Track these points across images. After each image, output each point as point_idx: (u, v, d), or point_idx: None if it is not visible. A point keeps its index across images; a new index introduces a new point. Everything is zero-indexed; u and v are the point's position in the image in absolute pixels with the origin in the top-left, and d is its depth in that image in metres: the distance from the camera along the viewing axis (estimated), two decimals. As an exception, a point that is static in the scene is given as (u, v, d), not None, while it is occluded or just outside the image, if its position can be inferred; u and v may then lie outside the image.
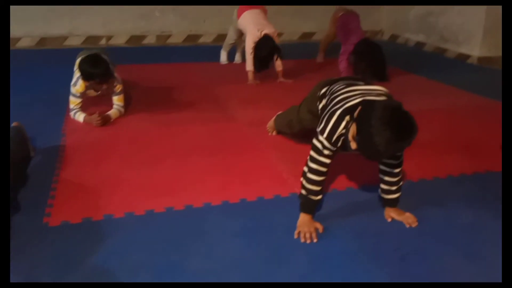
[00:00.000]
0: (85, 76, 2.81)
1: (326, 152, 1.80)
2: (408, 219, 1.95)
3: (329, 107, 1.87)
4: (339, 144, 1.76)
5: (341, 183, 2.29)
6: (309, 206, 1.91)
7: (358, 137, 1.59)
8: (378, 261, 1.71)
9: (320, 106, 2.10)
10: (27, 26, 5.43)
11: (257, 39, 3.99)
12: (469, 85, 4.16)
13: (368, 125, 1.53)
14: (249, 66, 4.10)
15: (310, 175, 1.86)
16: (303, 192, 1.91)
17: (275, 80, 4.19)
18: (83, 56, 2.94)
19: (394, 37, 6.67)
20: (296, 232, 1.84)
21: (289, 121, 2.61)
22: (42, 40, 5.55)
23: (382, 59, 4.09)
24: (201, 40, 6.12)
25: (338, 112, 1.74)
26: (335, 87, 2.00)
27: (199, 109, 3.38)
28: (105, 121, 2.96)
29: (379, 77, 3.98)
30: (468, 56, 5.33)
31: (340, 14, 4.42)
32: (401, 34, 6.53)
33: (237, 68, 4.56)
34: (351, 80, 2.07)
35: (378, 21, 6.80)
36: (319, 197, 1.91)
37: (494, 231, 1.90)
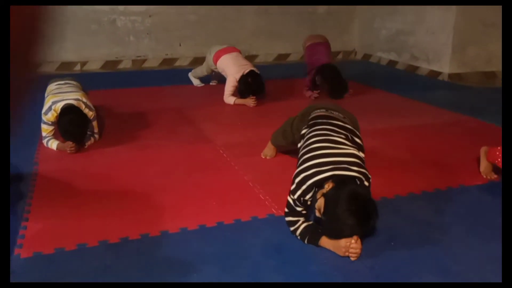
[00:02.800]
0: (63, 135, 2.86)
1: (298, 208, 1.98)
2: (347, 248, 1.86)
3: (300, 166, 2.00)
4: (307, 204, 1.96)
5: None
6: (313, 235, 1.92)
7: (324, 217, 1.81)
8: (354, 280, 1.71)
9: (299, 145, 2.28)
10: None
11: (237, 83, 4.10)
12: (440, 102, 4.26)
13: (335, 212, 1.75)
14: (230, 101, 4.17)
15: (292, 227, 1.98)
16: (300, 236, 1.94)
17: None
18: (62, 106, 2.87)
19: (367, 56, 6.82)
20: (345, 255, 1.83)
21: (284, 131, 2.69)
22: (15, 67, 5.48)
23: (340, 81, 4.31)
24: (177, 63, 6.14)
25: (309, 182, 1.90)
26: (312, 134, 2.15)
27: (175, 132, 3.38)
28: (79, 148, 2.92)
29: (336, 96, 4.26)
30: (439, 73, 5.48)
31: (308, 44, 4.57)
32: (374, 53, 6.69)
33: (212, 90, 4.58)
34: (329, 119, 2.23)
35: (350, 41, 6.96)
36: (310, 222, 1.98)
37: (468, 246, 1.93)
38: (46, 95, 2.97)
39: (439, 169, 2.72)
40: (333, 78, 4.24)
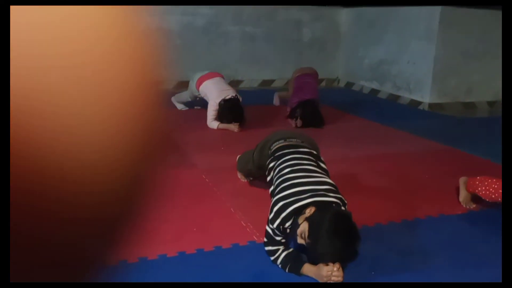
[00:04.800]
0: None
1: (277, 238, 1.95)
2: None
3: (277, 194, 1.99)
4: (287, 232, 1.93)
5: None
6: (294, 264, 1.90)
7: (308, 241, 1.77)
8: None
9: (269, 178, 2.27)
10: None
11: (218, 107, 4.13)
12: (420, 131, 4.34)
13: (318, 235, 1.73)
14: (214, 126, 4.19)
15: (272, 256, 1.95)
16: (281, 265, 1.92)
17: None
18: None
19: (349, 84, 6.94)
20: (325, 280, 1.81)
21: (249, 170, 2.70)
22: None
23: (318, 115, 4.39)
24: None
25: (288, 210, 1.89)
26: (283, 165, 2.15)
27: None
28: None
29: (315, 126, 4.31)
30: (419, 103, 5.59)
31: (297, 75, 4.67)
32: (356, 81, 6.81)
33: (196, 115, 4.59)
34: (293, 148, 2.26)
35: (334, 69, 7.09)
36: (290, 250, 1.95)
37: (450, 274, 1.94)
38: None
39: (419, 198, 2.74)
40: (310, 114, 4.33)
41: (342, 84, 7.11)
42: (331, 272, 1.79)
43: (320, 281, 1.82)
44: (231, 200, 2.61)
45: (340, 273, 1.80)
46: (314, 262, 1.87)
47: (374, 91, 6.41)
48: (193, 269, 1.91)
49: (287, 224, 1.89)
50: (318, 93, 4.64)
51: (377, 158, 3.51)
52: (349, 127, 4.45)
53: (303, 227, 1.79)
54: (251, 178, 2.86)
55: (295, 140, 2.36)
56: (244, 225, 2.32)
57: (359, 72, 6.72)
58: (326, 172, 2.16)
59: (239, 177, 2.90)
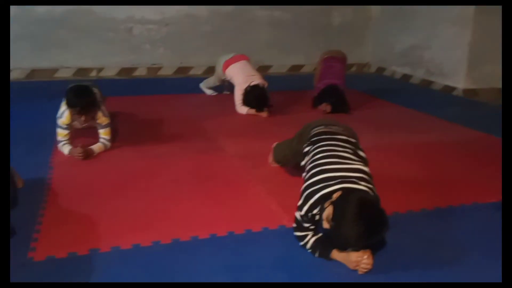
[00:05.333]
0: (68, 103, 2.83)
1: (305, 224, 1.94)
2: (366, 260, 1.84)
3: (307, 181, 1.99)
4: (315, 219, 1.92)
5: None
6: (323, 249, 1.90)
7: (332, 224, 1.74)
8: (366, 295, 1.70)
9: (303, 162, 2.26)
10: (18, 58, 5.46)
11: (245, 91, 4.14)
12: (454, 117, 4.23)
13: (343, 218, 1.68)
14: (243, 111, 4.20)
15: (302, 242, 1.96)
16: (311, 250, 1.93)
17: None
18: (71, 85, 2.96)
19: (380, 69, 6.81)
20: (355, 269, 1.81)
21: (284, 156, 2.70)
22: (32, 72, 5.58)
23: (343, 99, 4.35)
24: (192, 72, 6.19)
25: (316, 196, 1.87)
26: (317, 150, 2.14)
27: (188, 140, 3.39)
28: (88, 154, 2.94)
29: (343, 111, 4.28)
30: (453, 89, 5.45)
31: (325, 57, 4.60)
32: (388, 67, 6.68)
33: (225, 100, 4.60)
34: (332, 134, 2.23)
35: (364, 54, 6.96)
36: (319, 235, 1.95)
37: (481, 264, 1.91)
38: (63, 101, 3.01)
39: (453, 185, 2.70)
40: (338, 99, 4.29)
41: (373, 70, 6.99)
42: (361, 258, 1.79)
43: (350, 267, 1.82)
44: (262, 184, 2.63)
45: (370, 261, 1.80)
46: (340, 248, 1.86)
47: (406, 77, 6.28)
48: (224, 251, 1.94)
49: (315, 211, 1.88)
50: (345, 78, 4.56)
51: (409, 145, 3.45)
52: (380, 113, 4.39)
53: (328, 211, 1.78)
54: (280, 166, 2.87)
55: (335, 127, 2.33)
56: (275, 209, 2.33)
57: (391, 57, 6.58)
58: (363, 161, 2.12)
59: (270, 161, 2.90)
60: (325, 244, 1.91)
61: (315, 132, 2.32)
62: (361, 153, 2.18)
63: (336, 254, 1.87)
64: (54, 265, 1.80)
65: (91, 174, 2.72)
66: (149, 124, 3.80)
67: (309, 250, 1.93)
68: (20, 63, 5.50)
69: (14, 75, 5.50)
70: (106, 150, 3.09)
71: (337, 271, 1.83)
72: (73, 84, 2.99)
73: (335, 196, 1.79)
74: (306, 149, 2.27)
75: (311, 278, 1.79)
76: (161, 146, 3.23)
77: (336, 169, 1.96)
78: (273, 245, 2.01)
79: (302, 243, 1.96)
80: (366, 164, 2.10)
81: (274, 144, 2.88)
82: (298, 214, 1.95)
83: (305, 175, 2.07)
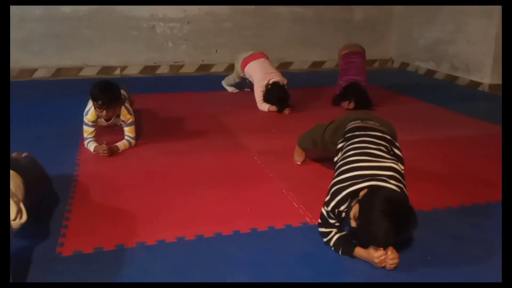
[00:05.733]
0: (92, 97, 2.90)
1: (331, 220, 1.93)
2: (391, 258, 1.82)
3: (336, 177, 1.97)
4: (341, 216, 1.91)
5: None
6: (347, 246, 1.90)
7: (359, 221, 1.73)
8: (390, 293, 1.69)
9: (335, 158, 2.24)
10: (44, 57, 5.59)
11: (264, 89, 4.15)
12: (479, 113, 4.15)
13: (370, 214, 1.68)
14: (264, 108, 4.20)
15: (325, 238, 1.95)
16: (334, 248, 1.92)
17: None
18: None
19: (404, 65, 6.72)
20: (381, 266, 1.81)
21: (314, 140, 2.68)
22: (58, 71, 5.70)
23: (365, 95, 4.29)
24: (213, 69, 6.23)
25: (344, 193, 1.86)
26: (349, 147, 2.12)
27: (210, 138, 3.42)
28: (112, 152, 3.00)
29: (366, 108, 4.22)
30: (479, 84, 5.34)
31: (343, 53, 4.55)
32: (411, 62, 6.58)
33: (247, 97, 4.61)
34: (367, 130, 2.20)
35: (387, 49, 6.87)
36: (343, 233, 1.95)
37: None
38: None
39: (478, 183, 2.65)
40: (361, 95, 4.25)
41: (396, 65, 6.89)
42: (384, 257, 1.78)
43: (374, 265, 1.81)
44: (283, 181, 2.63)
45: (395, 255, 1.79)
46: (365, 246, 1.85)
47: (430, 72, 6.17)
48: (247, 248, 1.96)
49: (342, 208, 1.87)
50: (366, 73, 4.49)
51: (433, 141, 3.40)
52: (404, 109, 4.33)
53: (355, 208, 1.77)
54: (304, 158, 2.86)
55: (372, 122, 2.29)
56: (297, 206, 2.34)
57: (414, 52, 6.48)
58: (398, 159, 2.08)
59: (295, 156, 2.90)
60: (349, 242, 1.91)
61: (350, 127, 2.29)
62: (397, 151, 2.14)
63: (359, 252, 1.86)
64: (81, 260, 1.85)
65: (116, 171, 2.77)
66: (171, 121, 3.84)
67: (333, 248, 1.93)
68: (46, 62, 5.63)
69: (40, 73, 5.63)
70: (130, 147, 3.14)
71: (360, 268, 1.83)
72: (101, 80, 3.04)
73: (362, 194, 1.78)
74: (340, 145, 2.25)
75: (334, 276, 1.79)
76: (184, 144, 3.27)
77: (366, 167, 1.94)
78: (296, 242, 2.01)
79: (326, 239, 1.95)
80: (400, 162, 2.07)
81: (300, 135, 2.86)
82: (324, 210, 1.94)
83: (335, 172, 2.05)
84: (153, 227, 2.10)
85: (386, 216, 1.65)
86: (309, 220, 2.19)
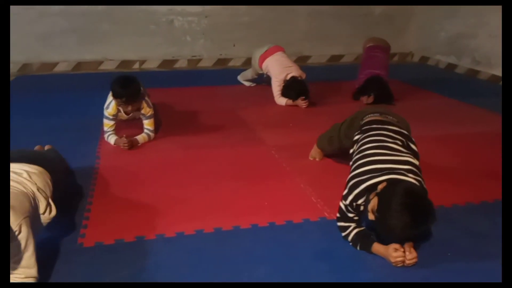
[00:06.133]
0: (114, 94, 2.93)
1: (350, 214, 1.93)
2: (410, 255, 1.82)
3: (354, 171, 1.97)
4: (360, 210, 1.90)
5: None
6: (365, 241, 1.89)
7: (377, 215, 1.71)
8: (409, 289, 1.68)
9: (351, 150, 2.24)
10: (64, 51, 5.67)
11: (283, 83, 4.14)
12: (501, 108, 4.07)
13: (388, 208, 1.66)
14: (282, 102, 4.19)
15: (344, 232, 1.95)
16: (352, 243, 1.92)
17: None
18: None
19: (424, 59, 6.62)
20: (396, 265, 1.80)
21: (330, 138, 2.68)
22: (78, 65, 5.78)
23: (387, 90, 4.24)
24: (231, 63, 6.23)
25: (362, 186, 1.85)
26: (366, 140, 2.11)
27: (228, 132, 3.43)
28: (132, 145, 3.03)
29: (386, 102, 4.18)
30: (501, 78, 5.23)
31: (368, 46, 4.50)
32: (432, 56, 6.48)
33: (264, 91, 4.60)
34: (384, 124, 2.19)
35: (406, 43, 6.77)
36: (362, 228, 1.94)
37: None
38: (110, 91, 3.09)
39: (500, 180, 2.60)
40: (381, 89, 4.19)
41: (416, 59, 6.79)
42: (401, 259, 1.76)
43: (390, 261, 1.80)
44: (301, 176, 2.63)
45: (413, 255, 1.77)
46: (384, 241, 1.84)
47: (451, 66, 6.07)
48: (266, 241, 1.97)
49: (360, 201, 1.86)
50: (389, 68, 4.45)
51: (454, 136, 3.36)
52: (424, 104, 4.27)
53: (374, 202, 1.75)
54: (321, 157, 2.86)
55: (390, 117, 2.28)
56: (315, 201, 2.33)
57: (434, 46, 6.38)
58: (414, 154, 2.07)
59: (311, 154, 2.89)
60: (367, 237, 1.90)
61: (367, 120, 2.29)
62: (413, 146, 2.13)
63: (377, 248, 1.85)
64: (102, 251, 1.88)
65: (135, 164, 2.80)
66: (189, 115, 3.86)
67: (351, 243, 1.92)
68: (67, 56, 5.71)
69: (61, 67, 5.72)
70: (149, 140, 3.17)
71: (379, 264, 1.82)
72: (119, 75, 3.07)
73: (380, 187, 1.76)
74: (356, 137, 2.24)
75: (351, 271, 1.78)
76: (202, 137, 3.28)
77: (384, 160, 1.93)
78: (314, 237, 2.01)
79: (344, 234, 1.95)
80: (416, 157, 2.06)
81: (319, 136, 2.85)
82: (342, 204, 1.94)
83: (352, 165, 2.05)
84: (172, 220, 2.13)
85: (405, 209, 1.63)
86: (327, 215, 2.18)
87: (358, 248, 1.90)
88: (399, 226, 1.64)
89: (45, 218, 1.75)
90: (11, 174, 1.70)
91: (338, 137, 2.56)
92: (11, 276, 1.53)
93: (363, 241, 1.90)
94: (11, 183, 1.65)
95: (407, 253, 1.78)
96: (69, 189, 2.35)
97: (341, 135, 2.51)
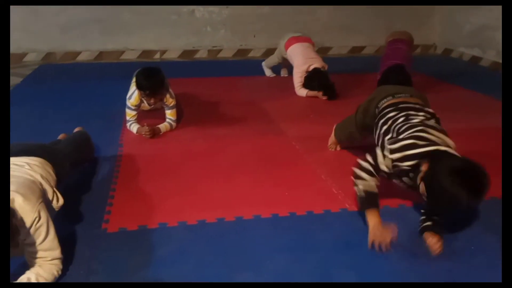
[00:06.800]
0: (138, 86, 2.95)
1: (382, 166, 1.87)
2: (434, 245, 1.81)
3: (404, 132, 1.92)
4: (391, 174, 1.86)
5: (394, 200, 2.24)
6: (369, 200, 1.87)
7: (435, 184, 1.66)
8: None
9: (377, 132, 2.19)
10: (87, 41, 5.74)
11: (304, 74, 4.10)
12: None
13: (445, 178, 1.61)
14: (302, 93, 4.16)
15: (357, 180, 1.92)
16: (359, 201, 1.92)
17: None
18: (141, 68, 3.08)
19: (447, 51, 6.50)
20: (369, 242, 1.81)
21: (350, 133, 2.66)
22: (100, 54, 5.84)
23: (409, 80, 4.08)
24: (251, 54, 6.22)
25: (417, 150, 1.78)
26: (396, 116, 2.09)
27: (248, 122, 3.43)
28: (155, 133, 3.06)
29: None
30: (527, 72, 5.10)
31: (390, 39, 4.43)
32: (455, 48, 6.36)
33: (284, 82, 4.59)
34: (405, 103, 2.18)
35: (429, 35, 6.66)
36: (376, 190, 1.90)
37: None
38: (132, 82, 3.13)
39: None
40: (401, 78, 4.03)
41: (439, 51, 6.68)
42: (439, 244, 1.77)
43: (370, 237, 1.82)
44: (322, 167, 2.62)
45: (438, 245, 1.77)
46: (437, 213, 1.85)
47: (475, 59, 5.95)
48: (286, 231, 1.98)
49: (406, 164, 1.79)
50: (411, 61, 4.37)
51: (478, 130, 3.30)
52: (447, 97, 4.20)
53: (428, 172, 1.71)
54: (339, 148, 2.85)
55: (403, 95, 2.25)
56: (336, 192, 2.33)
57: (459, 38, 6.25)
58: (444, 132, 2.00)
59: (329, 144, 2.88)
60: (374, 201, 1.88)
61: (385, 104, 2.25)
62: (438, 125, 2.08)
63: (371, 216, 1.85)
64: (126, 236, 1.92)
65: (157, 153, 2.83)
66: (210, 105, 3.87)
67: (357, 194, 1.91)
68: (89, 45, 5.78)
69: (84, 56, 5.80)
70: (171, 130, 3.20)
71: (399, 256, 1.81)
72: (143, 67, 3.10)
73: (423, 169, 1.72)
74: (381, 121, 2.18)
75: (371, 262, 1.78)
76: (223, 128, 3.30)
77: (428, 134, 1.88)
78: (335, 228, 2.01)
79: (356, 182, 1.92)
80: (446, 134, 1.99)
81: (335, 126, 2.84)
82: (380, 154, 1.87)
83: (390, 136, 2.00)
84: (193, 208, 2.15)
85: (473, 178, 1.62)
86: (348, 206, 2.18)
87: (360, 204, 1.93)
88: (464, 194, 1.60)
89: (54, 206, 1.77)
90: (13, 167, 1.69)
91: (357, 129, 2.54)
92: (37, 260, 1.56)
93: (367, 200, 1.87)
94: (15, 174, 1.64)
95: (436, 246, 1.78)
96: (90, 167, 2.42)
97: (358, 126, 2.50)
